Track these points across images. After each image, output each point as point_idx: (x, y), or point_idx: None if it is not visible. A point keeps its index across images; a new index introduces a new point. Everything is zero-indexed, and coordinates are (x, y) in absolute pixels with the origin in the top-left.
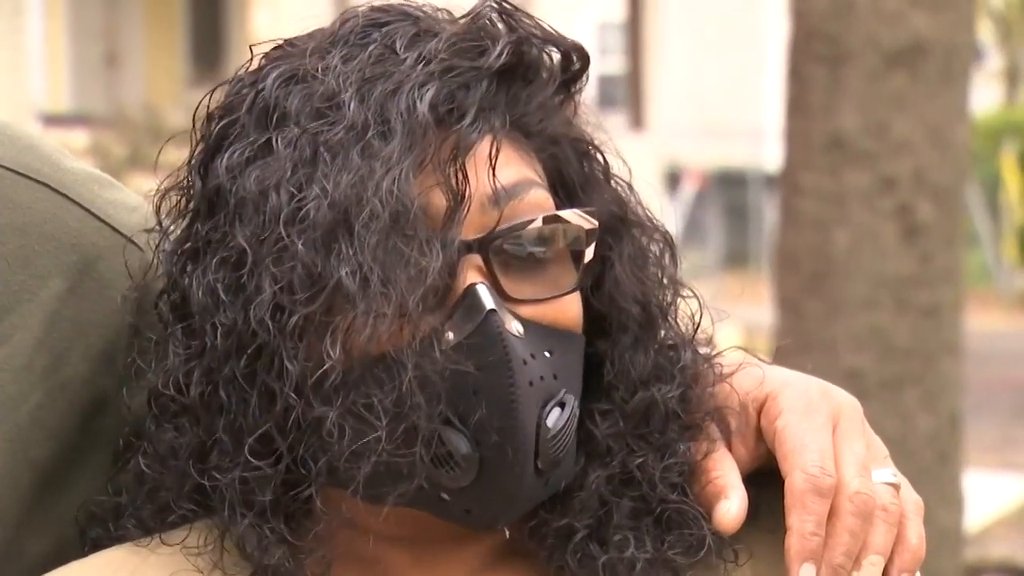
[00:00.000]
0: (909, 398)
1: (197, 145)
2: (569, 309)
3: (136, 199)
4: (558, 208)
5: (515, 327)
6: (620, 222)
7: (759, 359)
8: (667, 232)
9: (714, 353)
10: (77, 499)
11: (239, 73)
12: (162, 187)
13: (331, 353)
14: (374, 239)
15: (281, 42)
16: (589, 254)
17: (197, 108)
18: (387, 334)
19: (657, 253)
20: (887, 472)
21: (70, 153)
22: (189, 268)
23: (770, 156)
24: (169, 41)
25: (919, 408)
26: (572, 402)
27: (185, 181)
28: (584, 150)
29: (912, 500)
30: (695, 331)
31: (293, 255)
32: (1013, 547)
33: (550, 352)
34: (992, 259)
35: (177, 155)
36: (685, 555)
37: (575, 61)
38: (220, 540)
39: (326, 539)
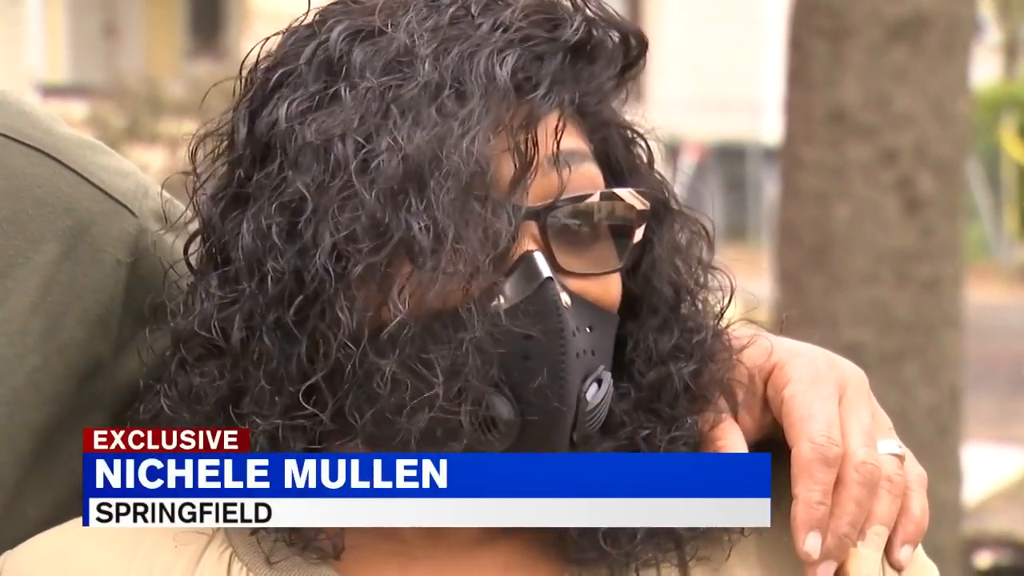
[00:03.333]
0: (909, 371)
1: (244, 93)
2: (613, 288)
3: (129, 165)
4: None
5: (564, 298)
6: (663, 207)
7: (767, 332)
8: (705, 223)
9: (724, 326)
10: (75, 463)
11: (293, 26)
12: (199, 132)
13: (398, 306)
14: (449, 197)
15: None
16: (638, 235)
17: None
18: (454, 292)
19: (696, 242)
20: (892, 443)
21: (66, 123)
22: (233, 213)
23: (769, 129)
24: (168, 12)
25: (919, 381)
26: (608, 379)
27: (227, 128)
28: (630, 137)
29: (916, 472)
30: (720, 315)
31: (359, 204)
32: (1012, 520)
33: (591, 328)
34: (992, 232)
35: (176, 126)
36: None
37: (634, 47)
38: None
39: None
